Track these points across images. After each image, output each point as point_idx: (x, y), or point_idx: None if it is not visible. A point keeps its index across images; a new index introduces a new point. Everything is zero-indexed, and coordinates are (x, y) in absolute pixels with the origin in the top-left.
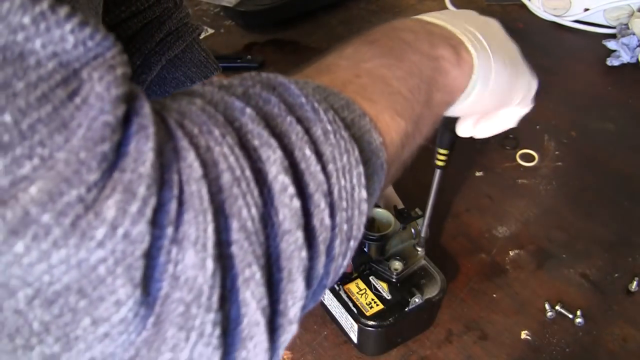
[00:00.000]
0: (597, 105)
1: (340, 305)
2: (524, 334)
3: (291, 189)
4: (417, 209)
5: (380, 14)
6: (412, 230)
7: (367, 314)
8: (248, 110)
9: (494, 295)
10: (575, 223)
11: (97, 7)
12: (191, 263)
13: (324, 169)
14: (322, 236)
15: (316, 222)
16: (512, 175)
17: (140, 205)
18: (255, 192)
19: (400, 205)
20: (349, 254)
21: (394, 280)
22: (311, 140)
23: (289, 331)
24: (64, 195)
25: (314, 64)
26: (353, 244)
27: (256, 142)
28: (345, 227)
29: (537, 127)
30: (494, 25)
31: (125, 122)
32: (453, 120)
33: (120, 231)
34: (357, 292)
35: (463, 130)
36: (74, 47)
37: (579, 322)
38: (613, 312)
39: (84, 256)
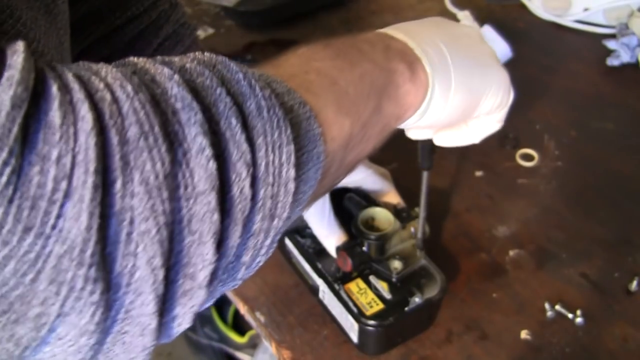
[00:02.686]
0: (597, 105)
1: (340, 305)
2: (524, 334)
3: (208, 151)
4: (416, 209)
5: (380, 14)
6: (412, 230)
7: (367, 313)
8: (176, 77)
9: (494, 295)
10: (575, 223)
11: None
12: (69, 215)
13: (251, 140)
14: (240, 205)
15: (235, 190)
16: (512, 175)
17: None
18: (163, 148)
19: (402, 204)
20: (272, 234)
21: (394, 279)
22: (241, 112)
23: (199, 296)
24: None
25: (268, 61)
26: (277, 223)
27: (178, 105)
28: (269, 202)
29: (537, 127)
30: (469, 34)
31: None
32: None
33: None
34: (357, 292)
35: (421, 133)
36: None
37: (579, 322)
38: (613, 312)
39: None
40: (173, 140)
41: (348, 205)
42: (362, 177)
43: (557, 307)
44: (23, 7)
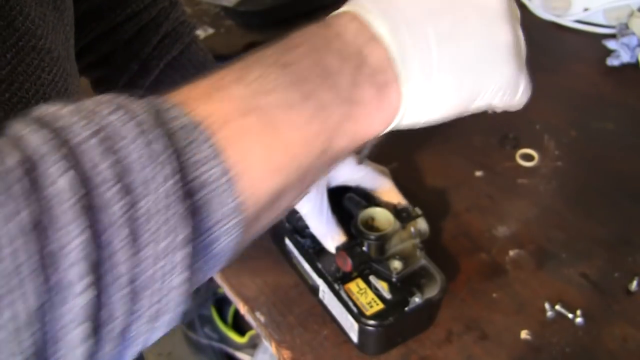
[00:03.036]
0: (597, 105)
1: (340, 305)
2: (524, 334)
3: (83, 283)
4: (416, 208)
5: None
6: (412, 230)
7: (367, 313)
8: (64, 178)
9: (494, 295)
10: (575, 223)
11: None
12: None
13: (137, 249)
14: (111, 325)
15: (106, 313)
16: (512, 175)
17: None
18: (39, 281)
19: (403, 202)
20: (163, 328)
21: (394, 279)
22: (133, 218)
23: None
24: None
25: (213, 73)
26: (167, 317)
27: (61, 221)
28: (154, 308)
29: (537, 127)
30: (486, 8)
31: None
32: None
33: None
34: (357, 292)
35: None
36: None
37: (579, 322)
38: (613, 312)
39: None
40: (48, 265)
41: (348, 205)
42: (361, 176)
43: (557, 307)
44: (33, 3)
